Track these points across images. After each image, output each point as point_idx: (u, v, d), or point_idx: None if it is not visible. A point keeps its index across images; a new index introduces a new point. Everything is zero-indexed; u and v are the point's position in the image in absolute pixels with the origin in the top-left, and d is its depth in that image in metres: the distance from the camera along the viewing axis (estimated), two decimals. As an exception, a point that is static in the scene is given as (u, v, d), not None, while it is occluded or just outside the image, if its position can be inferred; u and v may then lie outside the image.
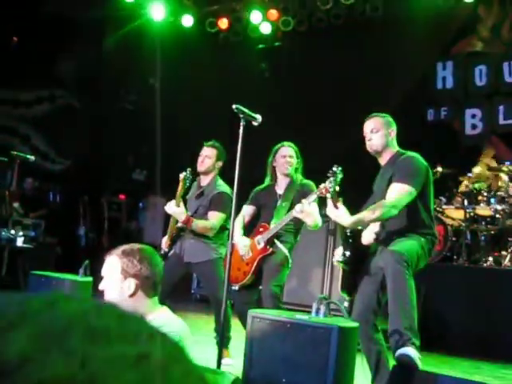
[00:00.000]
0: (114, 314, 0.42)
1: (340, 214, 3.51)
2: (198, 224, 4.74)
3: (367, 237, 3.82)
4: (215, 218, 4.76)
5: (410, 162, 3.71)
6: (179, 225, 4.89)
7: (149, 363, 0.39)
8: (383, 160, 3.86)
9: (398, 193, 3.58)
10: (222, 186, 4.86)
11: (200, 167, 4.93)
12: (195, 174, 5.05)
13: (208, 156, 4.90)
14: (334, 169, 3.66)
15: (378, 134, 3.81)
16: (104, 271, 2.54)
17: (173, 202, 4.78)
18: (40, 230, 9.25)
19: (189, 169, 4.90)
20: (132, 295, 2.51)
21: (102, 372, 0.36)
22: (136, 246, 2.61)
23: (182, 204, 4.80)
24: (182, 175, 4.89)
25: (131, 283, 2.50)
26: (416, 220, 3.67)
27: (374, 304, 3.64)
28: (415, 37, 8.80)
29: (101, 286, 2.55)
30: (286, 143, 4.72)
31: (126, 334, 0.41)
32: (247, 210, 4.83)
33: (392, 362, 3.37)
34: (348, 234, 3.73)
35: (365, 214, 3.56)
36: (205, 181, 4.98)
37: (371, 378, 3.68)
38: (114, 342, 0.39)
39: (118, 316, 0.42)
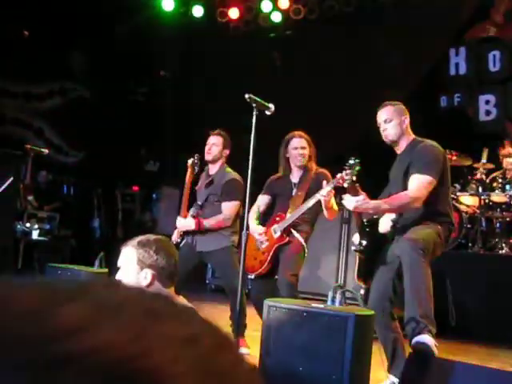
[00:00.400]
0: (167, 299, 0.43)
1: (361, 199, 3.45)
2: (210, 222, 4.77)
3: (384, 224, 3.80)
4: (229, 208, 4.77)
5: (428, 151, 3.69)
6: (191, 213, 4.92)
7: (201, 345, 0.39)
8: (400, 148, 3.84)
9: (421, 184, 3.56)
10: (232, 173, 4.87)
11: (207, 156, 4.95)
12: (203, 164, 5.08)
13: (215, 144, 4.92)
14: (351, 161, 3.63)
15: (392, 123, 3.78)
16: (120, 262, 2.56)
17: (180, 218, 4.86)
18: (55, 223, 9.32)
19: (196, 155, 4.93)
20: (149, 285, 2.53)
21: (155, 347, 0.37)
22: (152, 236, 2.63)
23: (189, 214, 4.84)
24: (189, 161, 4.95)
25: (148, 274, 2.53)
26: (433, 208, 3.65)
27: (389, 292, 3.64)
28: (428, 23, 8.72)
29: (117, 277, 2.57)
30: (296, 133, 4.69)
31: (180, 315, 0.42)
32: (262, 199, 4.83)
33: (408, 351, 3.37)
34: (365, 223, 3.71)
35: (387, 202, 3.55)
36: (213, 169, 4.99)
37: (387, 366, 3.68)
38: (167, 320, 0.40)
39: (171, 301, 0.43)
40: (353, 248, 3.76)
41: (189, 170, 4.96)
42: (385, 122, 3.79)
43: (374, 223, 3.73)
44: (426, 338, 3.20)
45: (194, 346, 0.39)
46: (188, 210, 4.98)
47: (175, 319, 0.41)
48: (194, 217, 4.89)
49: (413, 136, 3.85)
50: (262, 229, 4.59)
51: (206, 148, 4.95)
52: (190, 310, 0.44)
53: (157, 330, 0.38)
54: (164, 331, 0.38)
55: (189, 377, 0.37)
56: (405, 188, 3.62)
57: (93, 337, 0.36)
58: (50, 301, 0.38)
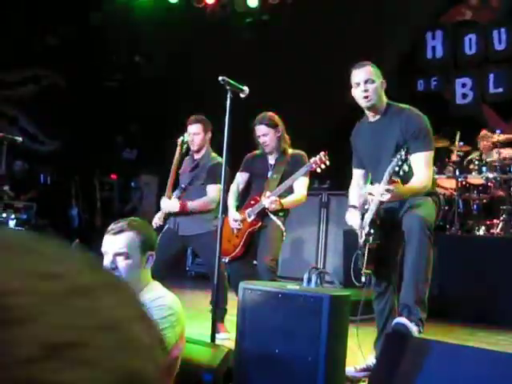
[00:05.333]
0: (32, 237, 0.43)
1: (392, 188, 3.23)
2: (194, 204, 4.74)
3: (354, 219, 3.69)
4: (214, 190, 4.74)
5: (421, 123, 3.51)
6: (174, 195, 4.91)
7: (59, 284, 0.39)
8: (375, 113, 3.64)
9: (428, 163, 3.47)
10: (218, 158, 4.83)
11: (192, 146, 4.92)
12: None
13: (195, 133, 4.88)
14: (399, 156, 3.32)
15: (374, 84, 3.54)
16: (119, 247, 2.50)
17: (164, 199, 4.84)
18: (32, 213, 9.21)
19: (186, 133, 4.90)
20: (144, 268, 2.54)
21: (8, 279, 0.37)
22: (138, 219, 2.64)
23: (172, 197, 4.82)
24: (179, 140, 4.91)
25: (150, 257, 2.57)
26: (432, 179, 3.60)
27: (394, 264, 3.63)
28: (404, 6, 8.71)
29: (112, 264, 2.49)
30: (257, 119, 4.65)
31: (47, 254, 0.41)
32: (241, 177, 4.81)
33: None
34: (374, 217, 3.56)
35: (411, 188, 3.38)
36: (199, 154, 4.96)
37: (376, 337, 3.72)
38: (29, 256, 0.40)
39: (40, 240, 0.43)
40: (361, 240, 3.54)
41: (178, 149, 4.94)
42: (365, 82, 3.53)
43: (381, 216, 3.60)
44: (406, 321, 3.21)
45: (52, 283, 0.38)
46: (172, 191, 4.96)
47: (38, 256, 0.40)
48: (177, 199, 4.88)
49: (386, 99, 3.66)
50: (238, 216, 4.58)
51: (189, 139, 4.91)
52: (66, 251, 0.43)
53: (15, 263, 0.38)
54: (22, 266, 0.38)
55: (39, 310, 0.36)
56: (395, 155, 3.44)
57: None
58: None
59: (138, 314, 0.43)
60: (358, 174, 3.92)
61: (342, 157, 4.02)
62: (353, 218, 3.71)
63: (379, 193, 3.24)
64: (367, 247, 3.48)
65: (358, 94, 3.58)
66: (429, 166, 3.49)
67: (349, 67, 3.72)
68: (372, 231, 3.48)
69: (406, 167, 3.24)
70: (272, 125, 4.59)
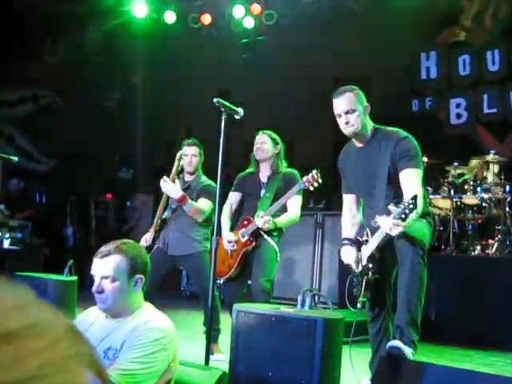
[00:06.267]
0: None
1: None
2: (193, 204, 4.72)
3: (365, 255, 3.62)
4: (207, 204, 4.75)
5: (409, 142, 3.45)
6: (164, 216, 4.89)
7: None
8: (362, 140, 3.57)
9: (418, 181, 3.36)
10: (208, 180, 4.88)
11: (189, 167, 4.94)
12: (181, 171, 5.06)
13: (194, 155, 4.92)
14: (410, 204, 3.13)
15: (356, 113, 3.44)
16: (104, 272, 2.48)
17: (166, 178, 4.79)
18: (27, 231, 9.18)
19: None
20: (133, 291, 2.51)
21: None
22: (130, 241, 2.62)
23: (177, 181, 4.82)
24: (178, 154, 4.93)
25: (138, 280, 2.53)
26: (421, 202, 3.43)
27: (389, 288, 3.60)
28: (398, 28, 8.79)
29: (98, 287, 2.47)
30: (260, 131, 4.73)
31: None
32: (234, 197, 4.83)
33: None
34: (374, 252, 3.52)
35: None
36: (190, 176, 4.97)
37: (370, 358, 3.71)
38: None
39: None
40: (358, 270, 3.48)
41: (175, 163, 4.95)
42: (346, 113, 3.43)
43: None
44: (400, 343, 3.21)
45: None
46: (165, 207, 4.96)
47: None
48: (165, 221, 4.87)
49: (372, 123, 3.58)
50: (232, 237, 4.58)
51: (187, 159, 4.92)
52: None
53: None
54: None
55: None
56: (389, 182, 3.42)
57: None
58: None
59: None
60: (348, 198, 3.82)
61: (337, 176, 4.02)
62: (348, 256, 3.63)
63: (389, 226, 3.06)
64: (365, 280, 3.43)
65: (340, 123, 3.53)
66: (419, 183, 3.39)
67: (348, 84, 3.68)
68: (370, 266, 3.42)
69: (413, 215, 3.03)
70: (273, 138, 4.67)
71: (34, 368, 0.36)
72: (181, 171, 5.09)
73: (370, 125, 3.58)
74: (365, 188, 3.66)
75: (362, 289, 3.44)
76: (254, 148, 4.69)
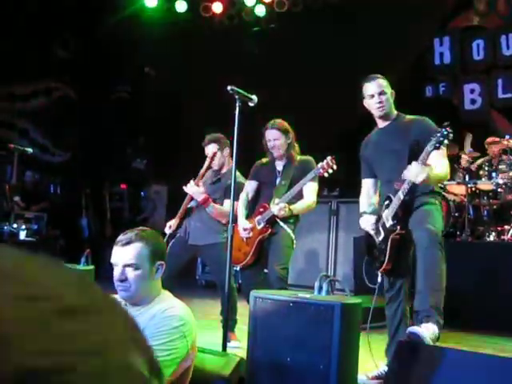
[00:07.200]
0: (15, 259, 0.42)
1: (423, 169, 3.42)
2: (216, 207, 4.75)
3: (367, 222, 3.82)
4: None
5: (431, 125, 3.73)
6: (191, 205, 4.92)
7: (39, 307, 0.37)
8: (388, 119, 3.87)
9: (445, 156, 3.67)
10: (240, 177, 4.81)
11: (214, 166, 4.96)
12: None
13: (214, 153, 4.91)
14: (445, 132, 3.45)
15: (387, 95, 3.83)
16: (128, 259, 2.51)
17: (192, 182, 4.83)
18: (42, 223, 9.26)
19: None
20: (154, 278, 2.54)
21: None
22: (148, 229, 2.65)
23: (201, 184, 4.84)
24: (211, 152, 4.91)
25: (159, 267, 2.56)
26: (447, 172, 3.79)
27: (406, 268, 3.69)
28: (412, 13, 8.71)
29: (121, 275, 2.50)
30: (269, 124, 4.68)
31: (23, 276, 0.40)
32: (250, 185, 4.81)
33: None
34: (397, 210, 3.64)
35: (438, 175, 3.58)
36: (222, 170, 5.01)
37: (387, 344, 3.75)
38: (10, 280, 0.39)
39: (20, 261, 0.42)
40: (380, 238, 3.67)
41: (207, 161, 4.95)
42: (379, 94, 3.81)
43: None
44: (418, 329, 3.22)
45: (36, 305, 0.37)
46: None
47: (23, 277, 0.39)
48: (190, 210, 4.91)
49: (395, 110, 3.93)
50: (248, 225, 4.59)
51: (209, 158, 4.96)
52: (55, 271, 0.42)
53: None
54: (4, 288, 0.37)
55: (17, 333, 0.35)
56: (413, 159, 3.56)
57: None
58: None
59: (130, 337, 0.41)
60: (367, 183, 4.03)
61: (351, 164, 4.03)
62: (366, 222, 3.84)
63: (415, 173, 3.40)
64: (390, 239, 3.59)
65: (372, 104, 3.86)
66: (446, 160, 3.69)
67: (359, 74, 3.87)
68: (396, 222, 3.60)
69: (446, 141, 3.42)
70: (283, 130, 4.61)
71: (95, 342, 0.38)
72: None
73: (394, 109, 3.92)
74: (387, 163, 3.80)
75: (387, 254, 3.56)
76: (268, 145, 4.64)
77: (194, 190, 4.82)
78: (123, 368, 0.38)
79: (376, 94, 3.81)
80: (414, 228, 3.52)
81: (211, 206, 4.74)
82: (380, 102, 3.81)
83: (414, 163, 3.43)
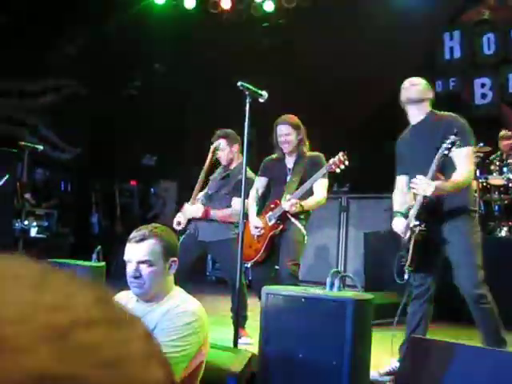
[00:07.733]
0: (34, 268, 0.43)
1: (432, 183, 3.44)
2: (218, 214, 4.76)
3: (400, 226, 3.84)
4: (240, 204, 4.75)
5: (460, 122, 3.73)
6: (200, 201, 4.93)
7: (54, 319, 0.38)
8: (418, 113, 3.84)
9: (469, 157, 3.65)
10: (249, 172, 4.81)
11: (223, 161, 4.96)
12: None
13: (222, 149, 4.91)
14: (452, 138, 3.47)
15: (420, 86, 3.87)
16: (142, 255, 2.51)
17: (187, 205, 4.87)
18: (53, 220, 9.31)
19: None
20: (168, 274, 2.56)
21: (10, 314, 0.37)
22: (160, 225, 2.65)
23: (195, 202, 4.84)
24: (213, 146, 4.92)
25: (173, 263, 2.57)
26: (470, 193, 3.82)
27: (435, 270, 3.77)
28: (422, 8, 8.66)
29: (135, 272, 2.50)
30: (280, 119, 4.66)
31: (42, 284, 0.41)
32: (260, 181, 4.80)
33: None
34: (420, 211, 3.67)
35: (455, 182, 3.54)
36: (231, 165, 5.00)
37: (403, 340, 3.76)
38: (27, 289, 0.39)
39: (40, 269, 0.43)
40: (407, 237, 3.71)
41: (210, 155, 4.95)
42: (412, 84, 3.86)
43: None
44: None
45: (55, 315, 0.38)
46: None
47: (45, 287, 0.40)
48: (202, 205, 4.91)
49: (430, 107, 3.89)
50: (259, 223, 4.58)
51: (218, 154, 4.98)
52: (76, 284, 0.42)
53: (19, 293, 0.38)
54: (26, 296, 0.38)
55: (35, 340, 0.36)
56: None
57: None
58: None
59: (148, 351, 0.41)
60: (401, 180, 4.02)
61: (362, 160, 4.02)
62: (398, 225, 3.84)
63: (422, 189, 3.44)
64: (413, 239, 3.63)
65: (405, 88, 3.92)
66: (470, 161, 3.65)
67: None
68: (418, 222, 3.62)
69: (454, 148, 3.41)
70: (295, 126, 4.59)
71: (111, 355, 0.38)
72: (217, 161, 5.10)
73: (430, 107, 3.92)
74: (417, 162, 3.78)
75: (410, 252, 3.61)
76: (279, 140, 4.62)
77: (191, 211, 4.86)
78: (139, 381, 0.39)
79: (411, 80, 3.87)
80: (449, 247, 3.68)
81: (213, 214, 4.76)
82: (413, 85, 3.83)
83: (418, 177, 3.45)
